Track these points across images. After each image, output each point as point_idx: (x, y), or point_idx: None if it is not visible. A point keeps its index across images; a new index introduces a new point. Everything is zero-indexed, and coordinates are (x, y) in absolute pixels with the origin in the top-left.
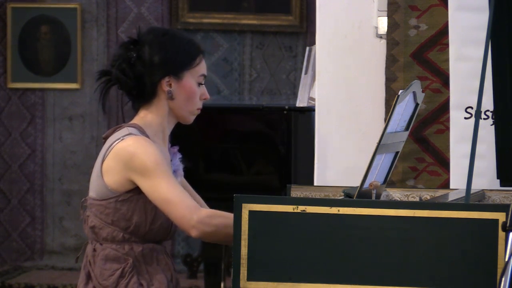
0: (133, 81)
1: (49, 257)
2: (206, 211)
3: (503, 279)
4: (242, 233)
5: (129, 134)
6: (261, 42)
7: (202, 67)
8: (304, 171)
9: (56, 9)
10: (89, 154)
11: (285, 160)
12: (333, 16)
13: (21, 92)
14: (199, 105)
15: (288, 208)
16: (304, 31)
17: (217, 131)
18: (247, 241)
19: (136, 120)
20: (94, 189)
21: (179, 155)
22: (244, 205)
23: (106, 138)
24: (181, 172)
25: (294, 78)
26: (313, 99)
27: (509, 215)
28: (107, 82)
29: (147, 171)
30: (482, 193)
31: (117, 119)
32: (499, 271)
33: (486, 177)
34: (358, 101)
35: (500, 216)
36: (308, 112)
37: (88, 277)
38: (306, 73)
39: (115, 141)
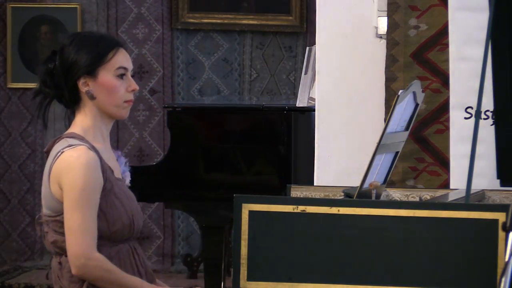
0: (54, 90)
1: (49, 257)
2: (96, 259)
3: (503, 279)
4: (242, 233)
5: (69, 146)
6: (261, 42)
7: (117, 60)
8: (304, 171)
9: (56, 9)
10: None
11: (285, 160)
12: (333, 16)
13: (21, 92)
14: (127, 97)
15: (288, 208)
16: (304, 31)
17: (217, 131)
18: (247, 241)
19: (74, 127)
20: (46, 205)
21: (123, 159)
22: (244, 205)
23: (48, 152)
24: (128, 175)
25: (294, 78)
26: (313, 99)
27: (509, 215)
28: (42, 99)
29: (71, 192)
30: (482, 193)
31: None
32: (499, 271)
33: (486, 177)
34: (358, 101)
35: (500, 216)
36: (308, 112)
37: None
38: (306, 73)
39: (57, 153)
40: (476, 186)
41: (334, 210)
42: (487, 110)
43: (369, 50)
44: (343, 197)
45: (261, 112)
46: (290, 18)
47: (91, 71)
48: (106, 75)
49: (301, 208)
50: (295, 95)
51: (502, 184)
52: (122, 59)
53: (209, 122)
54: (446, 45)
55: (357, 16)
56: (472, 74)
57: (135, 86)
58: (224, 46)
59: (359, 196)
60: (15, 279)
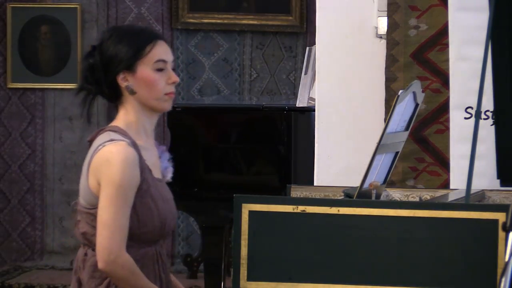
0: (96, 86)
1: (49, 257)
2: (126, 259)
3: (503, 279)
4: (242, 233)
5: (111, 140)
6: (261, 42)
7: (155, 53)
8: (304, 171)
9: (56, 9)
10: None
11: (285, 160)
12: (333, 16)
13: (21, 92)
14: (168, 89)
15: (288, 208)
16: (304, 31)
17: (217, 131)
18: (247, 241)
19: (117, 121)
20: (82, 195)
21: (167, 155)
22: (244, 205)
23: (91, 141)
24: (170, 170)
25: (294, 78)
26: (313, 99)
27: (509, 215)
28: (85, 95)
29: (108, 187)
30: (482, 193)
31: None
32: (499, 271)
33: (486, 177)
34: (358, 101)
35: (500, 216)
36: (308, 112)
37: (79, 283)
38: (306, 73)
39: (98, 146)
40: (476, 186)
41: (334, 210)
42: (487, 110)
43: (369, 50)
44: (343, 197)
45: (261, 112)
46: (290, 18)
47: (130, 66)
48: (145, 69)
49: (301, 208)
50: (295, 95)
51: (502, 184)
52: (160, 52)
53: (209, 122)
54: (446, 45)
55: (357, 16)
56: (472, 74)
57: (175, 78)
58: (224, 46)
59: (359, 196)
60: (15, 279)
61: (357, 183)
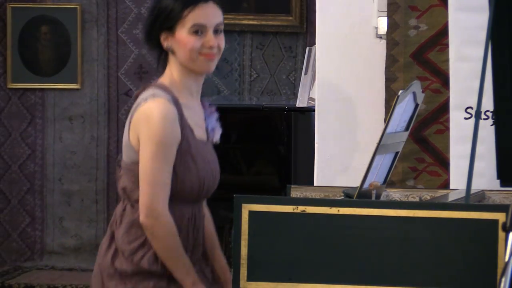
0: (147, 45)
1: (49, 257)
2: (167, 220)
3: (503, 279)
4: (242, 233)
5: (153, 95)
6: (261, 42)
7: (192, 17)
8: (304, 171)
9: (56, 9)
10: (89, 154)
11: (285, 160)
12: (333, 17)
13: (21, 92)
14: (205, 51)
15: (288, 209)
16: (304, 31)
17: None
18: (247, 241)
19: (163, 78)
20: (124, 151)
21: (215, 115)
22: (244, 205)
23: (137, 96)
24: (218, 131)
25: (294, 78)
26: (313, 100)
27: (509, 216)
28: (158, 54)
29: (148, 143)
30: (482, 194)
31: (117, 119)
32: (499, 271)
33: (486, 177)
34: (358, 101)
35: (500, 217)
36: (308, 112)
37: (112, 237)
38: (306, 73)
39: (141, 101)
40: (476, 186)
41: (334, 210)
42: (487, 111)
43: (369, 51)
44: (343, 197)
45: (261, 112)
46: (290, 18)
47: (170, 28)
48: (182, 31)
49: (301, 208)
50: (295, 95)
51: (502, 185)
52: (198, 16)
53: None
54: (446, 45)
55: (357, 16)
56: (472, 74)
57: (212, 42)
58: (224, 46)
59: (359, 196)
60: (15, 279)
61: (357, 183)
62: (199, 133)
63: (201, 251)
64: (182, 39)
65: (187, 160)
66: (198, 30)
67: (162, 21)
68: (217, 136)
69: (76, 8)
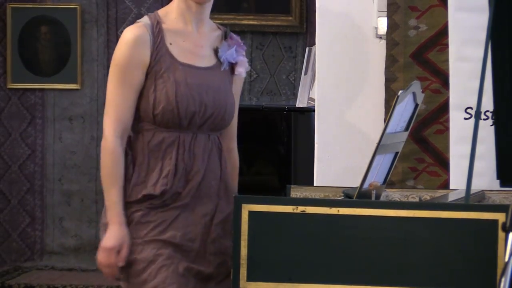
0: None
1: (49, 257)
2: (109, 142)
3: (503, 279)
4: (242, 233)
5: (136, 22)
6: (261, 42)
7: None
8: (304, 171)
9: (56, 9)
10: (89, 154)
11: (285, 160)
12: (333, 17)
13: (21, 92)
14: None
15: (288, 209)
16: (304, 31)
17: None
18: (247, 241)
19: (165, 7)
20: None
21: (236, 48)
22: (244, 205)
23: None
24: (240, 64)
25: (294, 78)
26: (313, 100)
27: (509, 216)
28: None
29: (111, 66)
30: (482, 194)
31: None
32: (499, 271)
33: (486, 177)
34: (358, 102)
35: (500, 217)
36: (308, 112)
37: None
38: (306, 73)
39: None
40: (476, 186)
41: (334, 210)
42: (487, 111)
43: (369, 51)
44: (343, 197)
45: (261, 112)
46: (290, 18)
47: None
48: None
49: (301, 208)
50: (295, 95)
51: (502, 185)
52: None
53: None
54: (446, 46)
55: (357, 16)
56: (472, 74)
57: None
58: None
59: (359, 196)
60: (15, 279)
61: (357, 183)
62: (187, 58)
63: (203, 182)
64: None
65: (159, 82)
66: None
67: None
68: (239, 69)
69: (76, 8)
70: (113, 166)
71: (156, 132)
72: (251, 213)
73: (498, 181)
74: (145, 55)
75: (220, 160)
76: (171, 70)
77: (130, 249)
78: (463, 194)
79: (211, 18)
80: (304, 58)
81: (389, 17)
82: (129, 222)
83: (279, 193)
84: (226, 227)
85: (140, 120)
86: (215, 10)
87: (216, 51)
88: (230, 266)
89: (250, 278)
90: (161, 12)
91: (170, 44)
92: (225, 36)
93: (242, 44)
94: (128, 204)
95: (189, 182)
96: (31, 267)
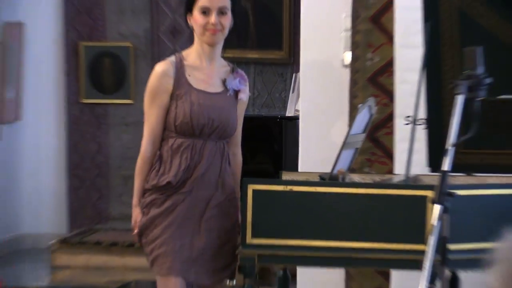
0: (187, 27)
1: (112, 222)
2: (143, 150)
3: (431, 237)
4: (247, 205)
5: (165, 60)
6: (261, 70)
7: (201, 2)
8: (291, 161)
9: (116, 47)
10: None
11: (278, 154)
12: (312, 52)
13: (91, 105)
14: (209, 27)
15: (280, 187)
16: (291, 62)
17: None
18: (251, 211)
19: (187, 49)
20: None
21: (242, 77)
22: (249, 185)
23: None
24: (242, 92)
25: (284, 96)
26: (298, 111)
27: (436, 192)
28: None
29: (146, 89)
30: (416, 177)
31: None
32: (428, 231)
33: (420, 166)
34: (330, 112)
35: (429, 193)
36: (294, 120)
37: None
38: (293, 92)
39: None
40: (413, 172)
41: (313, 189)
42: (421, 118)
43: (338, 76)
44: (319, 179)
45: (261, 120)
46: (282, 53)
47: (190, 10)
48: (195, 12)
49: (289, 187)
50: (285, 108)
51: (431, 171)
52: (206, 1)
53: None
54: (392, 72)
55: (329, 51)
56: (411, 93)
57: (213, 20)
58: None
59: (330, 179)
60: (89, 237)
61: (329, 170)
62: (201, 85)
63: (199, 185)
64: (195, 17)
65: (180, 103)
66: (205, 11)
67: (186, 6)
68: (241, 95)
69: (130, 46)
70: (142, 165)
71: (177, 138)
72: (254, 191)
73: (428, 168)
74: (169, 84)
75: (221, 161)
76: (188, 94)
77: (149, 218)
78: (403, 177)
79: (226, 52)
80: (291, 81)
81: (352, 51)
82: (153, 201)
83: (273, 177)
84: (221, 210)
85: (166, 130)
86: (228, 46)
87: (224, 81)
88: (223, 239)
89: (254, 236)
90: (184, 52)
91: (189, 75)
92: (232, 70)
93: (245, 77)
94: (154, 188)
95: (192, 174)
96: (100, 228)
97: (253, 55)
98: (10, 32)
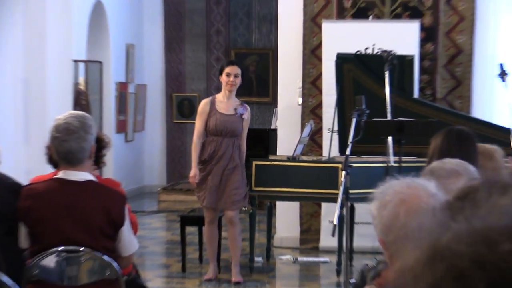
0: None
1: (186, 179)
2: (194, 139)
3: (341, 186)
4: (252, 172)
5: (206, 98)
6: (258, 106)
7: (226, 70)
8: (273, 150)
9: (190, 96)
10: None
11: (266, 146)
12: (283, 98)
13: (179, 123)
14: (228, 83)
15: (268, 162)
16: (273, 103)
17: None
18: (254, 174)
19: (219, 93)
20: None
21: (245, 107)
22: (253, 162)
23: None
24: (245, 115)
25: (269, 118)
26: (276, 126)
27: (343, 164)
28: None
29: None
30: (334, 158)
31: None
32: (339, 183)
33: (335, 153)
34: (292, 127)
35: (340, 165)
36: (275, 130)
37: None
38: (274, 117)
39: None
40: (332, 155)
41: (284, 163)
42: (335, 129)
43: (295, 110)
44: (287, 159)
45: (258, 130)
46: (268, 98)
47: (221, 74)
48: (223, 75)
49: (273, 162)
50: (270, 124)
51: (340, 155)
52: (228, 69)
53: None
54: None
55: (292, 98)
56: (331, 116)
57: (231, 80)
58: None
59: (292, 159)
60: (177, 186)
61: (291, 154)
62: (222, 110)
63: (220, 165)
64: (222, 77)
65: (211, 119)
66: (228, 75)
67: (219, 71)
68: (244, 116)
69: (196, 95)
70: (194, 147)
71: (209, 136)
72: (256, 164)
73: (339, 153)
74: (207, 109)
75: (233, 148)
76: (215, 115)
77: (199, 177)
78: (327, 158)
79: (240, 97)
80: (273, 112)
81: (302, 98)
82: (200, 168)
83: (264, 157)
84: (231, 171)
85: (206, 132)
86: (239, 94)
87: (235, 109)
88: (235, 185)
89: (256, 186)
90: (217, 95)
91: (217, 105)
92: (241, 104)
93: (247, 107)
94: (200, 161)
95: (216, 155)
96: (181, 182)
97: (253, 99)
98: (140, 89)
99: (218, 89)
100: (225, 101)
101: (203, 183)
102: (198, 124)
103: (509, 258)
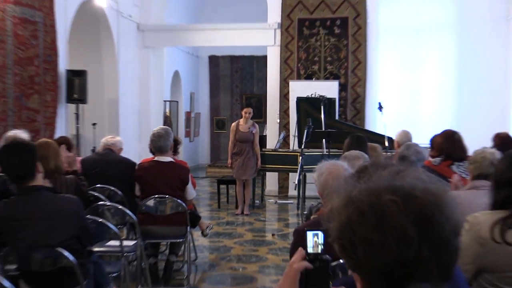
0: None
1: (223, 160)
2: (230, 144)
3: (299, 165)
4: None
5: (247, 123)
6: (259, 126)
7: (244, 110)
8: (265, 146)
9: (222, 118)
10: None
11: (262, 144)
12: (270, 120)
13: (216, 133)
14: (246, 116)
15: (263, 152)
16: (265, 122)
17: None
18: (260, 159)
19: (242, 119)
20: None
21: (254, 126)
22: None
23: None
24: (255, 132)
25: (263, 131)
26: (266, 134)
27: (300, 153)
28: None
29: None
30: (295, 150)
31: None
32: (298, 163)
33: (296, 146)
34: (274, 135)
35: (299, 153)
36: (266, 136)
37: None
38: (265, 129)
39: None
40: (295, 148)
41: (272, 152)
42: (296, 135)
43: (275, 125)
44: (273, 150)
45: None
46: (261, 120)
47: (241, 109)
48: (243, 111)
49: (266, 152)
50: (263, 132)
51: (299, 148)
52: (245, 109)
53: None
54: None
55: (274, 119)
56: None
57: (247, 115)
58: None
59: (274, 150)
60: (216, 163)
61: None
62: (242, 129)
63: (242, 156)
64: (242, 112)
65: (236, 134)
66: (245, 112)
67: (240, 108)
68: (253, 131)
69: (225, 118)
70: (230, 149)
71: (236, 143)
72: (261, 154)
73: (298, 147)
74: (234, 128)
75: (249, 149)
76: (238, 132)
77: (233, 164)
78: (292, 149)
79: (253, 119)
80: (264, 127)
81: (279, 119)
82: (232, 158)
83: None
84: (248, 160)
85: (234, 140)
86: (252, 118)
87: (249, 127)
88: (250, 167)
89: (262, 165)
90: (240, 120)
91: (239, 126)
92: (253, 124)
93: (256, 126)
94: (232, 153)
95: (242, 152)
96: (220, 160)
97: (255, 120)
98: (197, 115)
99: (238, 115)
100: (243, 124)
101: (234, 165)
102: (231, 136)
103: (389, 204)
